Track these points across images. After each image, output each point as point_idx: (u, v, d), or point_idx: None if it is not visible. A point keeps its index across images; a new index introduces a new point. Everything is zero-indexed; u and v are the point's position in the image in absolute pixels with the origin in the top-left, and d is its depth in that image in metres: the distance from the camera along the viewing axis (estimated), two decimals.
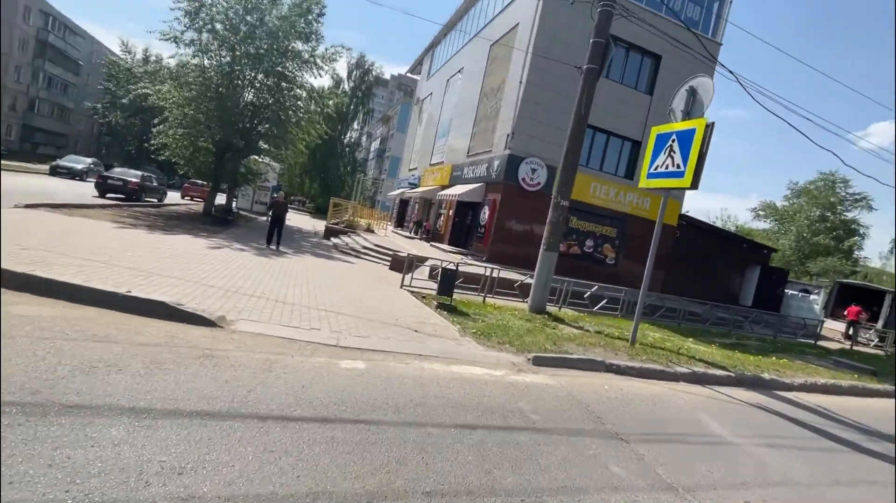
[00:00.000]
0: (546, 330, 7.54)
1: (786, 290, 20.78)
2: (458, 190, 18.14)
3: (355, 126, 53.91)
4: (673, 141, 6.34)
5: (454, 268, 8.91)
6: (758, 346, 10.81)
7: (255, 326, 4.71)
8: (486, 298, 10.26)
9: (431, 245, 19.83)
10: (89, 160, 28.93)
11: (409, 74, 40.39)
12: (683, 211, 19.46)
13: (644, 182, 7.01)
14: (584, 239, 17.25)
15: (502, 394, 4.22)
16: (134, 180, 19.35)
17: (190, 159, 18.23)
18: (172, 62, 17.65)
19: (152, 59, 16.70)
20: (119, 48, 38.70)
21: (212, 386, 3.22)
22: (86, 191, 19.17)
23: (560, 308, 10.87)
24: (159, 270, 6.59)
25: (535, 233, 16.60)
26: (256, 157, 26.70)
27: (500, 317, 8.17)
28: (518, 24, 17.09)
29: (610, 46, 8.38)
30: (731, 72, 9.22)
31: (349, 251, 15.51)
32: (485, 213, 16.87)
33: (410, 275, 10.23)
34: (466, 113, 21.15)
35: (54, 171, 26.32)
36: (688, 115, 6.46)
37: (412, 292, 9.55)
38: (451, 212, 20.80)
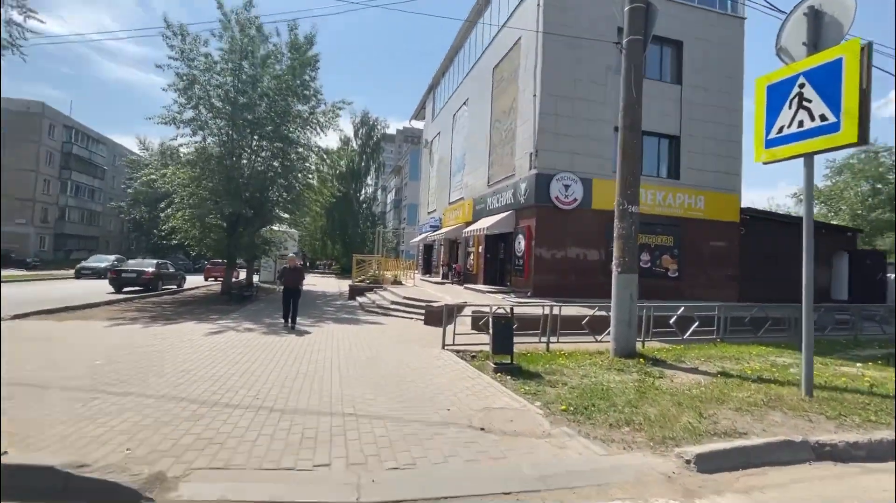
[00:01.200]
0: (657, 384, 5.39)
1: (888, 275, 17.61)
2: (485, 223, 16.42)
3: (369, 181, 54.01)
4: (801, 86, 4.43)
5: (507, 313, 6.96)
6: None
7: (214, 488, 2.77)
8: (551, 344, 8.15)
9: (465, 288, 17.92)
10: (112, 257, 28.88)
11: (412, 123, 40.20)
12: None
13: (765, 154, 4.97)
14: (638, 253, 15.00)
15: None
16: (149, 270, 18.53)
17: (200, 238, 17.30)
18: (175, 143, 17.10)
19: (166, 149, 16.61)
20: (137, 146, 40.18)
21: None
22: (104, 289, 18.36)
23: (644, 342, 8.62)
24: (114, 384, 4.91)
25: (581, 256, 14.52)
26: (273, 228, 26.12)
27: (584, 371, 6.08)
28: (520, 38, 15.90)
29: (653, 10, 6.71)
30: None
31: (377, 309, 13.74)
32: (520, 243, 14.97)
33: (451, 328, 8.29)
34: (479, 143, 19.82)
35: (79, 274, 26.17)
36: (814, 46, 4.58)
37: (457, 352, 7.58)
38: (480, 248, 19.00)
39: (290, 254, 13.31)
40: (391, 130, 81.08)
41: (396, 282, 19.67)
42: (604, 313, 8.57)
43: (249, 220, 18.44)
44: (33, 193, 41.70)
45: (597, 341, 8.62)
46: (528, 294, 14.05)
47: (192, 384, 5.08)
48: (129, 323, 9.85)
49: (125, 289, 18.16)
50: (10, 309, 10.28)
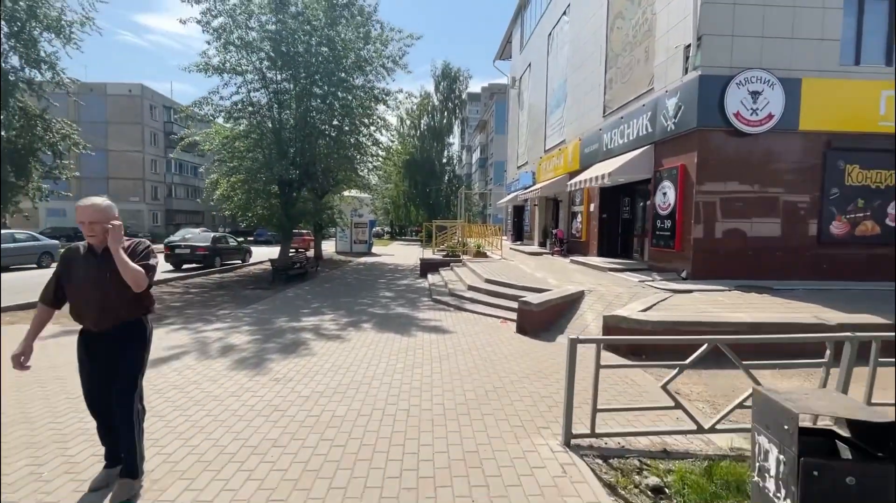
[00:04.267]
0: None
1: None
2: (602, 169, 11.24)
3: (451, 140, 49.64)
4: None
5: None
6: None
7: None
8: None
9: (572, 261, 13.08)
10: (196, 230, 28.62)
11: (496, 65, 34.40)
12: None
13: None
14: (882, 204, 8.86)
15: None
16: (202, 245, 16.55)
17: (245, 206, 14.60)
18: (215, 98, 14.24)
19: (202, 101, 14.43)
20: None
21: None
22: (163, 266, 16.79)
23: None
24: None
25: (779, 211, 8.87)
26: (344, 193, 23.24)
27: None
28: None
29: None
30: None
31: (448, 298, 9.67)
32: (665, 194, 9.67)
33: (582, 363, 3.85)
34: (588, 60, 14.23)
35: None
36: None
37: (600, 455, 3.09)
38: (591, 206, 13.84)
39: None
40: (474, 88, 75.16)
41: (480, 254, 15.45)
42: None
43: (302, 183, 15.39)
44: (143, 173, 44.45)
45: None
46: (683, 274, 8.89)
47: None
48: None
49: (184, 266, 16.54)
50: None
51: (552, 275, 10.14)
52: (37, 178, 10.51)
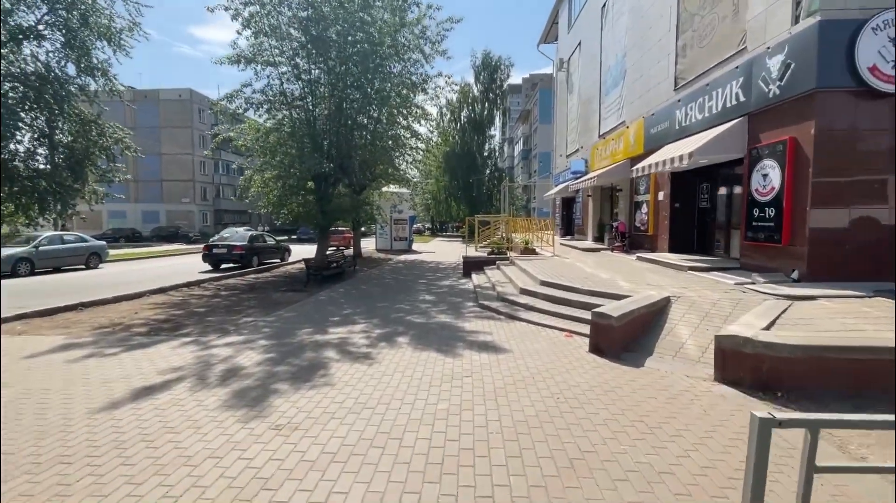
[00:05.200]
0: None
1: None
2: (678, 150, 9.46)
3: (493, 132, 47.84)
4: None
5: None
6: None
7: None
8: None
9: (638, 258, 11.36)
10: (241, 229, 28.85)
11: (541, 49, 32.36)
12: None
13: None
14: None
15: None
16: (239, 244, 16.14)
17: (279, 203, 13.92)
18: (248, 92, 13.62)
19: (235, 94, 13.96)
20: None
21: None
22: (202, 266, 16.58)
23: None
24: None
25: None
26: (384, 189, 22.36)
27: None
28: None
29: None
30: None
31: (497, 304, 8.35)
32: (765, 174, 7.83)
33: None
34: (655, 26, 12.36)
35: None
36: None
37: None
38: (660, 194, 12.02)
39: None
40: (515, 80, 72.73)
41: (528, 251, 13.98)
42: None
43: (338, 178, 14.54)
44: (192, 174, 46.00)
45: None
46: (794, 274, 7.09)
47: None
48: (104, 339, 6.21)
49: (222, 266, 16.22)
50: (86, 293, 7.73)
51: (620, 275, 8.56)
52: (92, 181, 10.79)
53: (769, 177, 7.67)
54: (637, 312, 5.56)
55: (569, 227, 23.27)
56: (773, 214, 7.58)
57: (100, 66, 9.65)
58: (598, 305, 6.48)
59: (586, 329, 5.92)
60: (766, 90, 7.66)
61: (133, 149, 11.43)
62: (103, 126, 10.31)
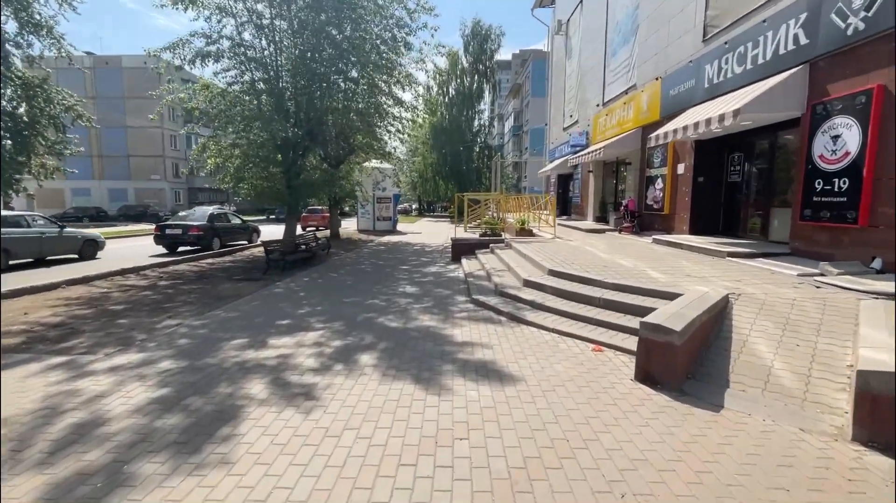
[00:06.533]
0: None
1: None
2: (710, 110, 7.74)
3: (482, 107, 45.50)
4: None
5: None
6: None
7: None
8: None
9: (655, 241, 9.75)
10: (210, 209, 26.59)
11: (535, 14, 30.09)
12: None
13: None
14: None
15: None
16: (196, 224, 14.12)
17: (237, 177, 11.93)
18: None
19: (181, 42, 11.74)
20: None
21: None
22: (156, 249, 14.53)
23: None
24: None
25: None
26: (364, 163, 20.32)
27: None
28: None
29: None
30: None
31: (494, 303, 6.68)
32: (837, 137, 6.19)
33: None
34: None
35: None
36: None
37: None
38: (682, 167, 10.37)
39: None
40: (504, 56, 69.67)
41: (524, 231, 12.28)
42: None
43: (308, 147, 12.57)
44: (163, 150, 42.99)
45: None
46: (875, 264, 5.53)
47: None
48: None
49: (179, 249, 14.20)
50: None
51: (645, 263, 6.94)
52: (41, 153, 9.67)
53: (842, 138, 6.03)
54: (699, 320, 3.93)
55: (565, 207, 21.63)
56: (845, 187, 5.97)
57: (44, 23, 8.67)
58: (633, 305, 4.87)
59: (619, 338, 4.31)
60: (843, 26, 5.95)
61: (86, 118, 10.19)
62: (49, 92, 9.21)
